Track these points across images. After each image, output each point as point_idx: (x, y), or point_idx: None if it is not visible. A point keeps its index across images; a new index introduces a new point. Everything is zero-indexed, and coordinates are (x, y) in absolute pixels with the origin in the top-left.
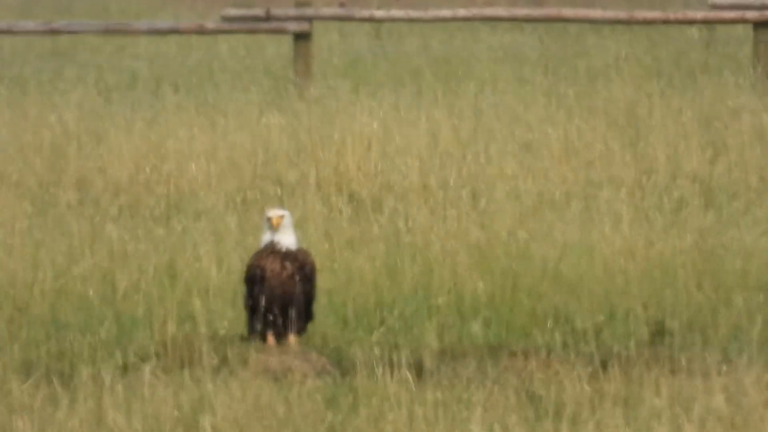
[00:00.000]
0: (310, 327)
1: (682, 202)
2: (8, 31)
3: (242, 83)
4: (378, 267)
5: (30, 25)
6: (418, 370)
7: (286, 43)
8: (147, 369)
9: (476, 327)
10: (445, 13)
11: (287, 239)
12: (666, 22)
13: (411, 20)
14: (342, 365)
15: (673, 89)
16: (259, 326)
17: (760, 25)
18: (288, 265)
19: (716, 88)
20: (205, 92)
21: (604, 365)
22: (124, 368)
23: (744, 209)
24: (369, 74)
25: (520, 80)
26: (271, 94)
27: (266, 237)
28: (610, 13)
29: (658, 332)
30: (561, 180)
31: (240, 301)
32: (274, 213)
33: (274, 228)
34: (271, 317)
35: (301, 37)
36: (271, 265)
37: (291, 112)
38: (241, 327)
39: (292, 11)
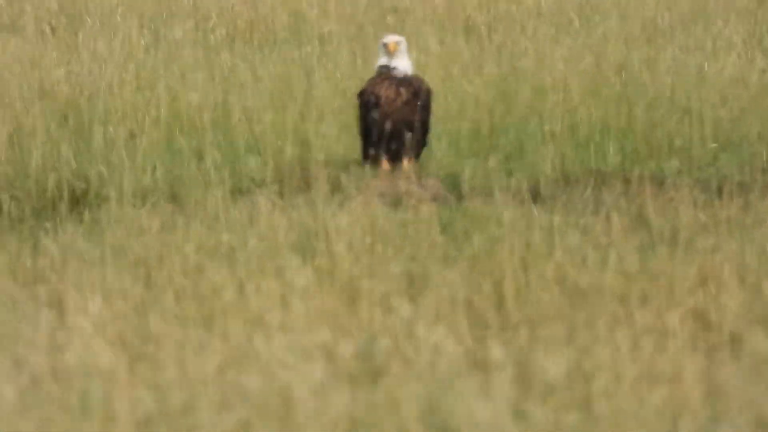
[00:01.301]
0: (424, 152)
1: None
2: None
3: None
4: (492, 93)
5: None
6: (534, 196)
7: None
8: (262, 194)
9: (589, 155)
10: None
11: (402, 65)
12: None
13: None
14: (457, 191)
15: None
16: (373, 152)
17: None
18: (403, 91)
19: None
20: None
21: (720, 192)
22: (239, 193)
23: None
24: None
25: None
26: None
27: (381, 62)
28: None
29: None
30: (674, 5)
31: (355, 127)
32: (390, 38)
33: (390, 53)
34: (385, 143)
35: None
36: (386, 92)
37: None
38: (356, 153)
39: None
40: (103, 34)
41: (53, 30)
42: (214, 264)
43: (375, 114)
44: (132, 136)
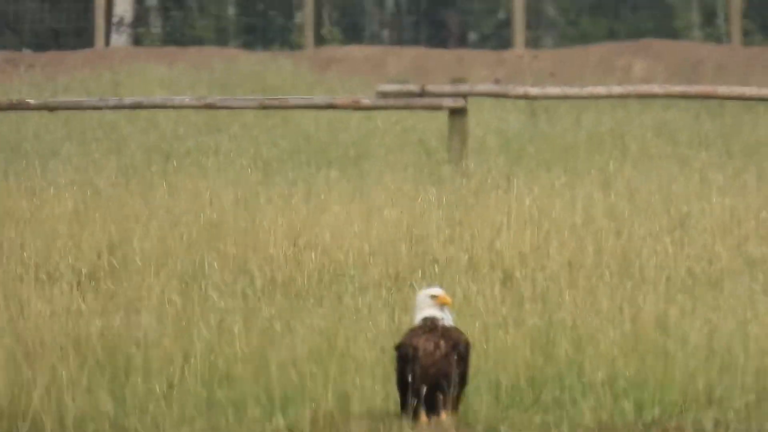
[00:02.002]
0: (463, 405)
1: None
2: (163, 105)
3: (397, 159)
4: (530, 345)
5: (186, 99)
6: None
7: (441, 120)
8: None
9: (628, 406)
10: (600, 90)
11: (443, 317)
12: None
13: (566, 97)
14: None
15: None
16: (411, 404)
17: None
18: (442, 343)
19: None
20: (360, 167)
21: None
22: None
23: None
24: (523, 151)
25: (674, 157)
26: (426, 170)
27: (422, 314)
28: (765, 90)
29: None
30: (714, 256)
31: (393, 379)
32: (438, 291)
33: (438, 306)
34: (424, 396)
35: (457, 113)
36: (425, 344)
37: (446, 188)
38: (395, 405)
39: (448, 87)
40: (140, 286)
41: (91, 280)
42: None
43: (413, 366)
44: (170, 387)
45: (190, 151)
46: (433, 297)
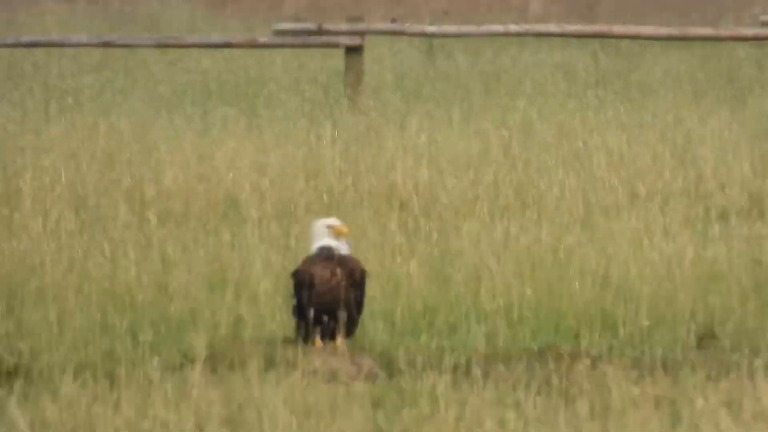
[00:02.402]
0: (358, 330)
1: (730, 211)
2: (61, 44)
3: (293, 96)
4: (427, 274)
5: (83, 38)
6: (466, 372)
7: (338, 58)
8: (196, 369)
9: (523, 332)
10: (497, 28)
11: (343, 246)
12: (717, 39)
13: (463, 35)
14: (389, 368)
15: (724, 104)
16: (306, 330)
17: None
18: (338, 271)
19: (766, 104)
20: (256, 105)
21: (651, 368)
22: (173, 369)
23: None
24: (420, 88)
25: (570, 95)
26: (323, 106)
27: (318, 244)
28: (661, 30)
29: (705, 337)
30: (610, 189)
31: (288, 305)
32: (334, 221)
33: (334, 236)
34: (319, 321)
35: (353, 51)
36: (321, 272)
37: (342, 124)
38: (289, 330)
39: (344, 26)
40: (36, 213)
41: None
42: None
43: (309, 293)
44: (67, 312)
45: (86, 88)
46: (329, 227)
